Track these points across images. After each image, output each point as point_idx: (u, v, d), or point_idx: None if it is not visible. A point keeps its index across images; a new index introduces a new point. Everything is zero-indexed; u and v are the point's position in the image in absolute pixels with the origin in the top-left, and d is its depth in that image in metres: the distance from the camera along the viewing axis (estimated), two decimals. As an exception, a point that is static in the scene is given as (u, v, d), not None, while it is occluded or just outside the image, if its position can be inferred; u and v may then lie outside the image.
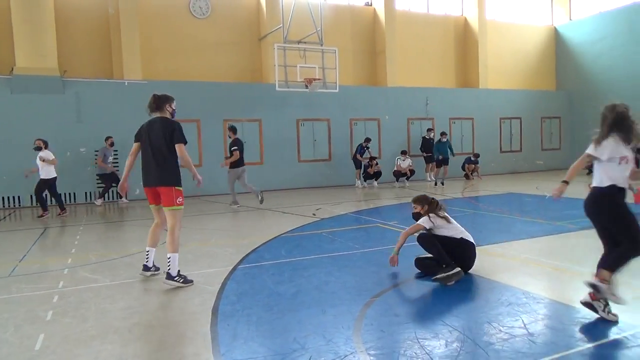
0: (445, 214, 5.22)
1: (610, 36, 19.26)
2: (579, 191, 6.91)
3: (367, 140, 15.61)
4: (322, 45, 14.18)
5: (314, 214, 9.75)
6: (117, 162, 13.15)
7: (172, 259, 4.87)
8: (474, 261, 5.11)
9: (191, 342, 3.51)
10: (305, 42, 14.21)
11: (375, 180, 15.55)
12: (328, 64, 14.19)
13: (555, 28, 21.65)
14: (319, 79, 14.03)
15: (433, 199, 5.36)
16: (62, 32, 13.33)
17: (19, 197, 12.41)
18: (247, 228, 8.67)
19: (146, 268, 5.32)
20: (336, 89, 14.33)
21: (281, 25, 14.04)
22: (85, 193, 13.19)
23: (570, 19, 21.23)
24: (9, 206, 12.39)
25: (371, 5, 17.94)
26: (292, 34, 14.04)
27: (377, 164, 15.53)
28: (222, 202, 12.40)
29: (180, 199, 4.99)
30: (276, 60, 13.44)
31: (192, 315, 4.06)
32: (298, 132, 15.78)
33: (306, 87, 13.98)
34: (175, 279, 4.87)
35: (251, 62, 16.00)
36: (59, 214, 10.62)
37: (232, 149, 10.92)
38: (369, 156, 15.61)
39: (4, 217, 10.83)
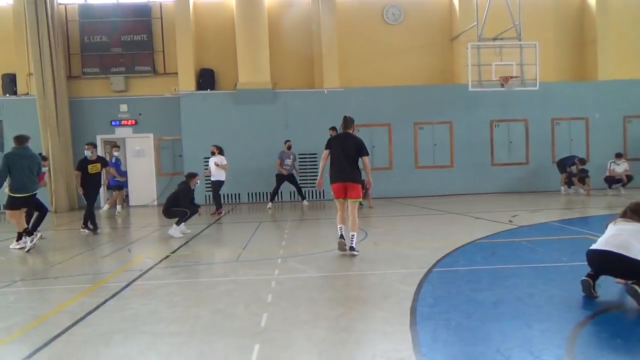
0: None
1: None
2: None
3: (582, 162, 13.94)
4: (520, 40, 13.24)
5: (510, 221, 9.19)
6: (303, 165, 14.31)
7: (355, 236, 6.55)
8: None
9: (391, 338, 3.68)
10: (501, 39, 13.45)
11: (582, 186, 13.88)
12: (527, 59, 13.17)
13: None
14: (516, 77, 13.13)
15: None
16: (274, 49, 15.11)
17: (238, 195, 14.50)
18: (439, 232, 8.62)
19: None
20: (536, 86, 13.23)
21: (475, 23, 13.54)
22: (290, 193, 14.65)
23: None
24: (232, 202, 14.56)
25: (581, -10, 16.05)
26: (486, 30, 13.44)
27: (586, 175, 13.81)
28: (413, 205, 12.53)
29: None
30: (469, 59, 13.02)
31: (390, 312, 4.24)
32: (492, 134, 15.02)
33: (502, 85, 13.23)
34: (356, 250, 6.51)
35: (442, 63, 15.80)
36: (213, 213, 11.75)
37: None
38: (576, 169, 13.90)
39: (229, 211, 12.79)
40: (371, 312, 4.30)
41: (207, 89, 14.75)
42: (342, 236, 6.60)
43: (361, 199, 6.90)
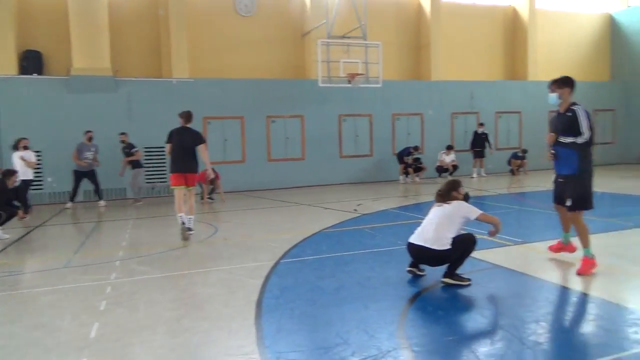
0: None
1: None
2: (632, 186, 6.53)
3: (416, 148, 15.39)
4: (365, 40, 14.08)
5: (355, 210, 9.74)
6: (149, 159, 13.57)
7: (192, 219, 7.42)
8: None
9: (236, 334, 3.60)
10: (348, 37, 14.15)
11: (417, 175, 15.40)
12: (371, 58, 14.08)
13: (610, 15, 20.59)
14: (362, 74, 13.95)
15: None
16: (115, 34, 13.84)
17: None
18: (289, 223, 8.76)
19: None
20: (379, 83, 14.22)
21: (325, 20, 14.04)
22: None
23: (628, 5, 20.13)
24: (64, 201, 13.02)
25: (415, -3, 17.65)
26: (335, 29, 14.02)
27: (420, 164, 15.40)
28: (264, 198, 12.58)
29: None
30: (319, 55, 13.46)
31: (237, 308, 4.16)
32: (340, 128, 15.77)
33: (349, 82, 13.94)
34: (192, 229, 7.32)
35: (294, 59, 16.11)
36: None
37: (134, 150, 12.28)
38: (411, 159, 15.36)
39: (60, 212, 11.42)
40: (217, 310, 4.16)
41: (32, 74, 12.95)
42: (183, 223, 7.15)
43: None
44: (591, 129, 4.75)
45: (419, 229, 4.78)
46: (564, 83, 5.11)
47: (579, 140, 4.75)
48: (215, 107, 14.33)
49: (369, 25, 14.41)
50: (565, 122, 4.93)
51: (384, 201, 11.07)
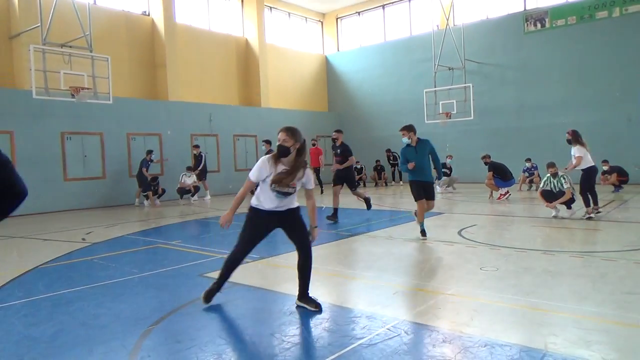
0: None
1: (369, 68, 22.33)
2: (346, 201, 7.33)
3: (149, 152, 14.62)
4: (91, 51, 12.79)
5: (83, 239, 8.60)
6: None
7: None
8: None
9: None
10: (70, 46, 12.61)
11: (158, 197, 14.75)
12: (100, 72, 12.83)
13: (326, 57, 24.09)
14: (88, 88, 12.57)
15: None
16: None
17: None
18: (-7, 262, 7.10)
19: None
20: (110, 100, 13.05)
21: (39, 24, 12.19)
22: None
23: (338, 50, 23.93)
24: None
25: (149, 15, 17.07)
26: (54, 35, 12.34)
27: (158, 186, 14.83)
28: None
29: None
30: (32, 63, 11.54)
31: None
32: (63, 147, 13.85)
33: (73, 96, 12.37)
34: None
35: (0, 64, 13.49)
36: None
37: None
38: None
39: None
40: None
41: None
42: None
43: None
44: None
45: None
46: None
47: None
48: None
49: (96, 36, 13.22)
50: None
51: (119, 227, 10.11)
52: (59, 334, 3.85)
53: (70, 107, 13.53)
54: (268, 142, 13.98)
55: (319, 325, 3.92)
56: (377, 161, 20.42)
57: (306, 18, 23.42)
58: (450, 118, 17.95)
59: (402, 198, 14.92)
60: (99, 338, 3.75)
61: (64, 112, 13.66)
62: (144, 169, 14.10)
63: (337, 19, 23.88)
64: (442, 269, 5.84)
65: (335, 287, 5.21)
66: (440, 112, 18.08)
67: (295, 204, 4.32)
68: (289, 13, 22.57)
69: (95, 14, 13.78)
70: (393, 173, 20.28)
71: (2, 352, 3.50)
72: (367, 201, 10.42)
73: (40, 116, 13.24)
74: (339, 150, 10.02)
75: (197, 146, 16.27)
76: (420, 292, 4.77)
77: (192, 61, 18.14)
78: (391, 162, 20.11)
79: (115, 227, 10.19)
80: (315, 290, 4.94)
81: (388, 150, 19.96)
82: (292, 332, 3.77)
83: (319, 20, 24.07)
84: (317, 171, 15.88)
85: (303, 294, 4.32)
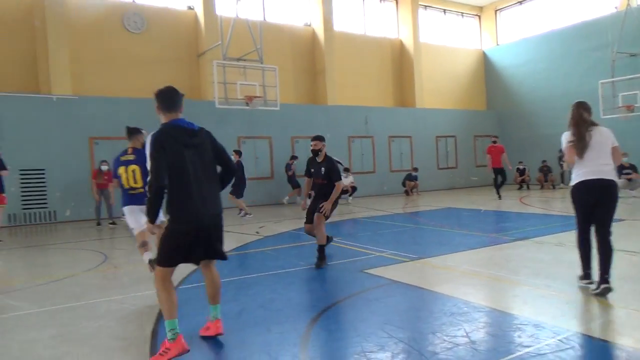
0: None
1: (532, 61, 20.69)
2: (509, 204, 7.10)
3: (293, 157, 15.74)
4: (262, 63, 14.16)
5: (257, 232, 9.59)
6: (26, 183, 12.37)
7: None
8: None
9: (127, 369, 3.29)
10: (245, 60, 14.14)
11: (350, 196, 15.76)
12: (269, 81, 14.17)
13: (483, 52, 22.98)
14: (259, 97, 13.96)
15: None
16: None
17: None
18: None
19: None
20: (277, 106, 14.31)
21: (220, 42, 13.91)
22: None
23: (497, 44, 22.63)
24: None
25: (310, 25, 18.23)
26: (231, 51, 13.96)
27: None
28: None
29: None
30: (215, 77, 13.24)
31: (129, 340, 3.82)
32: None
33: (247, 104, 13.87)
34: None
35: (189, 79, 15.71)
36: None
37: None
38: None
39: None
40: (106, 344, 3.78)
41: None
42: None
43: None
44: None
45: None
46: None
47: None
48: (101, 126, 13.43)
49: (265, 49, 14.54)
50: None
51: (284, 223, 11.04)
52: (243, 313, 4.43)
53: (245, 114, 15.15)
54: (238, 152, 12.87)
55: (482, 328, 3.86)
56: (543, 162, 18.80)
57: (462, 13, 22.62)
58: (633, 112, 15.75)
59: (573, 202, 13.52)
60: (274, 319, 4.22)
61: (240, 119, 15.37)
62: (288, 172, 15.38)
63: (496, 11, 22.59)
64: (625, 281, 5.23)
65: (499, 292, 5.02)
66: (620, 105, 15.97)
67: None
68: (444, 10, 22.05)
69: (265, 29, 15.19)
70: (562, 175, 18.47)
71: (200, 322, 4.14)
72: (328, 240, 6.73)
73: (221, 123, 15.07)
74: (322, 170, 6.48)
75: (238, 152, 12.98)
76: (597, 305, 4.36)
77: (348, 66, 18.86)
78: (562, 163, 18.33)
79: (282, 222, 11.14)
80: (476, 294, 4.85)
81: (560, 151, 18.20)
82: (453, 332, 3.77)
83: (476, 15, 23.04)
84: (499, 172, 14.06)
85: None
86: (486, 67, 22.90)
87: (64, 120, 12.86)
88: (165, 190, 3.41)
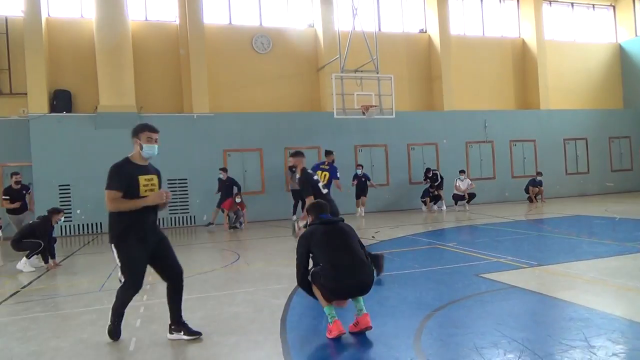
0: None
1: (681, 50, 18.37)
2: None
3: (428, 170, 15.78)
4: (378, 73, 14.58)
5: (373, 237, 9.96)
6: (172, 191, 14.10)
7: None
8: None
9: (263, 346, 3.85)
10: (361, 71, 14.67)
11: (435, 203, 15.63)
12: (384, 90, 14.54)
13: (619, 45, 20.91)
14: (375, 106, 14.37)
15: None
16: (139, 72, 14.59)
17: (100, 224, 13.51)
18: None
19: None
20: (393, 114, 14.60)
21: (338, 56, 14.62)
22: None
23: (636, 35, 20.45)
24: (92, 232, 13.53)
25: (426, 32, 18.24)
26: (348, 63, 14.57)
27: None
28: (282, 227, 12.87)
29: None
30: (334, 89, 13.96)
31: (263, 324, 4.41)
32: (356, 158, 16.12)
33: (363, 114, 14.35)
34: None
35: (310, 92, 16.68)
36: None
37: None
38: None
39: (89, 242, 11.86)
40: (243, 326, 4.41)
41: (62, 112, 13.66)
42: None
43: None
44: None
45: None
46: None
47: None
48: (234, 140, 14.87)
49: (380, 59, 14.92)
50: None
51: (402, 228, 11.27)
52: (367, 307, 4.80)
53: (361, 123, 15.66)
54: (224, 169, 13.38)
55: (603, 335, 3.78)
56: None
57: (593, 5, 20.82)
58: None
59: None
60: (390, 315, 4.53)
61: (356, 128, 15.91)
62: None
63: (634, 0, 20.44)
64: None
65: (625, 301, 4.78)
66: None
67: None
68: (572, 3, 20.51)
69: (380, 39, 15.58)
70: None
71: (322, 313, 4.60)
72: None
73: (339, 132, 15.77)
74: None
75: (224, 169, 13.48)
76: None
77: (465, 70, 18.46)
78: None
79: (398, 228, 11.39)
80: (600, 302, 4.68)
81: None
82: (570, 336, 3.75)
83: (611, 5, 21.05)
84: None
85: None
86: (623, 61, 20.80)
87: (202, 135, 14.50)
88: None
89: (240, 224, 12.98)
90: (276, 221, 14.30)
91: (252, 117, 15.20)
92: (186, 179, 14.38)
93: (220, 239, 11.19)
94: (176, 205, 14.26)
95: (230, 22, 16.12)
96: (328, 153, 11.33)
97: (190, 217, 14.46)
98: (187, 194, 14.38)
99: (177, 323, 4.10)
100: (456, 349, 3.65)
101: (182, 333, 4.06)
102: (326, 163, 10.74)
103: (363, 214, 14.75)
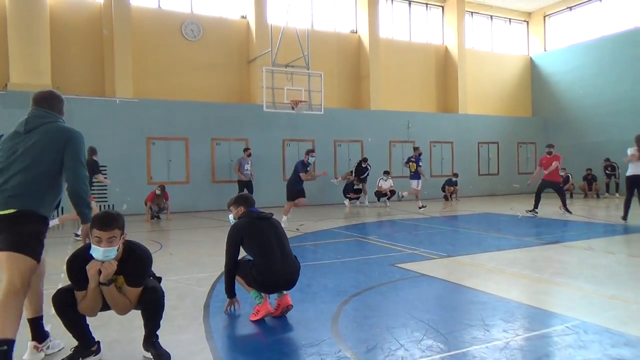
0: None
1: (581, 67, 20.37)
2: (549, 212, 7.15)
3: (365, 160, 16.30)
4: (308, 69, 14.82)
5: (297, 229, 10.20)
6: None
7: None
8: None
9: (187, 330, 3.92)
10: (292, 66, 14.84)
11: (357, 199, 16.20)
12: (314, 87, 14.82)
13: (531, 58, 22.78)
14: (304, 101, 14.62)
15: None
16: (57, 49, 13.76)
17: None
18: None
19: None
20: (321, 111, 14.94)
21: (270, 49, 14.68)
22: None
23: (545, 50, 22.38)
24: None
25: (356, 32, 18.77)
26: (280, 57, 14.68)
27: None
28: (207, 218, 12.77)
29: None
30: (264, 82, 14.01)
31: (186, 310, 4.47)
32: (284, 152, 16.29)
33: (292, 108, 14.55)
34: None
35: (240, 84, 16.59)
36: None
37: None
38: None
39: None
40: (167, 312, 4.40)
41: (-33, 88, 12.60)
42: None
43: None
44: None
45: None
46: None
47: None
48: (159, 127, 14.47)
49: (311, 55, 15.18)
50: None
51: (326, 222, 11.61)
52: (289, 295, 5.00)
53: (290, 118, 15.85)
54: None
55: (496, 315, 4.25)
56: (587, 170, 18.49)
57: (510, 19, 22.52)
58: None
59: (617, 211, 13.38)
60: (310, 301, 4.77)
61: (285, 123, 16.08)
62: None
63: (544, 17, 22.35)
64: (646, 284, 5.44)
65: (518, 287, 5.36)
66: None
67: None
68: (491, 16, 22.04)
69: (312, 37, 15.83)
70: (608, 185, 18.13)
71: (243, 300, 4.75)
72: None
73: (267, 126, 15.85)
74: None
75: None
76: (613, 302, 4.64)
77: (392, 72, 19.25)
78: (608, 172, 18.02)
79: (321, 221, 11.71)
80: (497, 287, 5.21)
81: (607, 160, 17.88)
82: (470, 316, 4.19)
83: (524, 20, 22.87)
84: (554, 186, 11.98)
85: None
86: (533, 73, 22.69)
87: (125, 121, 13.96)
88: None
89: (163, 212, 12.71)
90: (201, 212, 14.14)
91: (179, 105, 14.86)
92: (106, 167, 13.77)
93: (142, 229, 10.91)
94: (94, 194, 13.63)
95: (159, 6, 15.63)
96: (415, 149, 15.45)
97: (109, 205, 13.91)
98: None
99: None
100: (370, 329, 3.95)
101: None
102: (413, 156, 14.88)
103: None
